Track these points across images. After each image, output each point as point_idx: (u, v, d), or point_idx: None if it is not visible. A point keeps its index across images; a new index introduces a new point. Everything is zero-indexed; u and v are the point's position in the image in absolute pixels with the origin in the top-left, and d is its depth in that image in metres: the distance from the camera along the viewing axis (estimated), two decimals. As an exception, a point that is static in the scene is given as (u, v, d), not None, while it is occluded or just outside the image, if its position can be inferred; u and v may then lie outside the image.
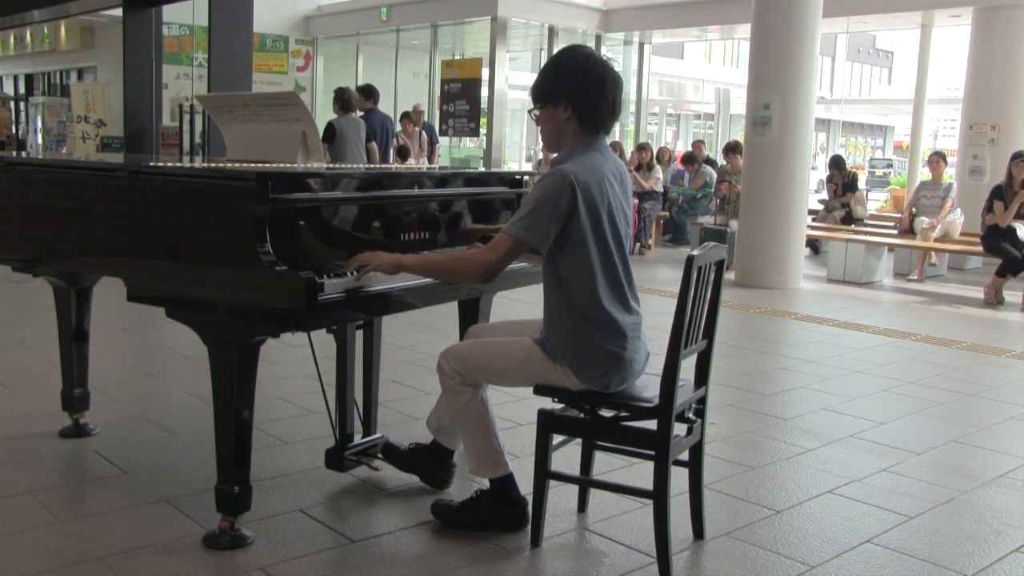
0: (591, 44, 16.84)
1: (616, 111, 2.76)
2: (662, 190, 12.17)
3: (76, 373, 3.75)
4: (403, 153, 11.65)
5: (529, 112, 2.83)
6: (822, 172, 19.78)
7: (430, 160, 12.62)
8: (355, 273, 2.67)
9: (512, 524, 2.91)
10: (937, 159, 10.09)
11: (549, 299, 2.79)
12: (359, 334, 3.39)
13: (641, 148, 12.52)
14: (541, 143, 16.27)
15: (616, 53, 17.88)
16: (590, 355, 2.71)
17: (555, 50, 16.10)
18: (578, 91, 2.70)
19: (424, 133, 12.50)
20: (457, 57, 18.05)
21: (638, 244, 11.33)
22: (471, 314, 3.64)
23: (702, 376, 2.90)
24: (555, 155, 2.82)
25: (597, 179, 2.68)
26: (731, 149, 10.80)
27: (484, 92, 15.00)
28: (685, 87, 30.87)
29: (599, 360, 2.71)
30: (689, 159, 12.77)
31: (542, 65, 2.82)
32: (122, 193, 2.93)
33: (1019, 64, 11.13)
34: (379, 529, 2.95)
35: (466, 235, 3.33)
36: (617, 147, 12.37)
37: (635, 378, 2.80)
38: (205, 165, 3.12)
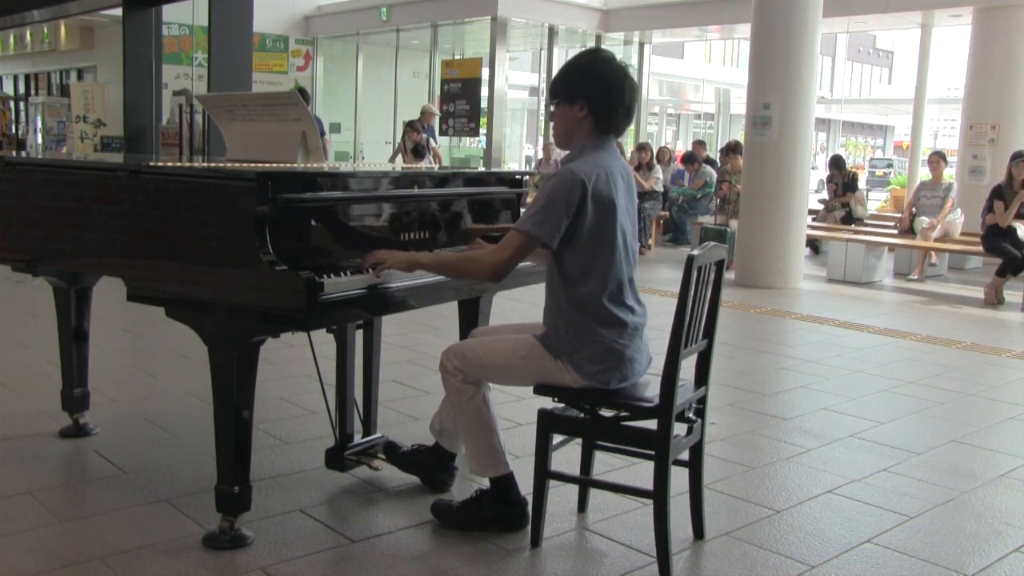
0: (591, 44, 16.86)
1: (630, 116, 2.83)
2: (662, 190, 12.16)
3: (76, 373, 3.74)
4: (418, 152, 11.65)
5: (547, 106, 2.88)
6: (822, 172, 19.78)
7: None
8: (372, 270, 2.67)
9: (512, 524, 2.91)
10: (937, 159, 10.10)
11: (551, 296, 2.80)
12: (359, 334, 3.39)
13: (641, 148, 12.51)
14: (541, 141, 16.24)
15: (616, 53, 17.88)
16: (591, 350, 2.72)
17: (555, 50, 16.23)
18: (598, 93, 2.75)
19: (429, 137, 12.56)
20: (457, 57, 18.04)
21: (638, 244, 11.33)
22: (471, 314, 3.65)
23: (702, 376, 2.90)
24: (566, 153, 2.87)
25: (606, 178, 2.72)
26: (730, 149, 10.79)
27: (484, 92, 15.00)
28: (685, 87, 30.85)
29: (600, 355, 2.71)
30: (689, 159, 12.77)
31: (565, 61, 2.85)
32: (122, 193, 2.92)
33: (1019, 64, 11.13)
34: (379, 529, 2.95)
35: (466, 235, 3.33)
36: (618, 147, 12.36)
37: (636, 378, 2.80)
38: (205, 165, 3.12)
